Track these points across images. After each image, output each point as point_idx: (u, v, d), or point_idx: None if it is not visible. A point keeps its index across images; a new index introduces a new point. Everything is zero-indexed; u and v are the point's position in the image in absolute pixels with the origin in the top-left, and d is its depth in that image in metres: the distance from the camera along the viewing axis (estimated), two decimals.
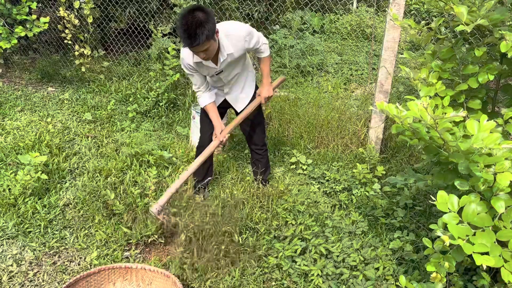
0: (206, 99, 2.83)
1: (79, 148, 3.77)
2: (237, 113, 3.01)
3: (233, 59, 2.68)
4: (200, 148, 2.99)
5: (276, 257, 2.53)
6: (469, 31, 1.82)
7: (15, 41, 4.91)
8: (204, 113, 2.96)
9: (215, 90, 2.93)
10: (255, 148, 3.13)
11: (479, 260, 1.52)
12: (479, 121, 1.62)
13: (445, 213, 1.65)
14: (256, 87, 3.03)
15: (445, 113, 1.62)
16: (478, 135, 1.58)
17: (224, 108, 3.03)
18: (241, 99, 2.95)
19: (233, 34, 2.60)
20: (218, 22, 2.58)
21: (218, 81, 2.84)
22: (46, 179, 3.16)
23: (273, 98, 4.21)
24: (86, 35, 5.03)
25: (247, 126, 3.05)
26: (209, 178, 3.10)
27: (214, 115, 2.85)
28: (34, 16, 4.92)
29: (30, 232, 2.77)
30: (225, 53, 2.60)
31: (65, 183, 3.25)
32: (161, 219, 2.62)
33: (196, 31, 2.33)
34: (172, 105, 4.53)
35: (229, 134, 2.85)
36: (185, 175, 2.73)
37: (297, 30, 6.26)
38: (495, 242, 1.60)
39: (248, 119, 2.99)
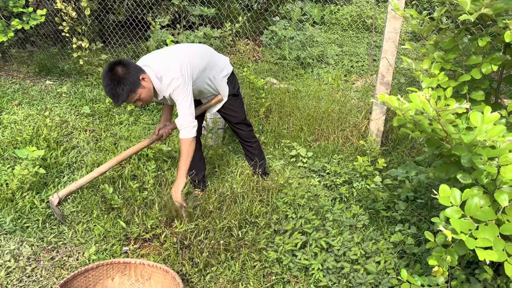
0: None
1: (77, 142, 3.74)
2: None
3: (170, 102, 2.69)
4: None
5: (276, 251, 2.51)
6: (472, 21, 1.77)
7: (12, 34, 4.85)
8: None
9: None
10: (245, 142, 3.13)
11: (482, 255, 1.49)
12: (482, 113, 1.58)
13: (447, 206, 1.62)
14: (233, 88, 2.91)
15: (448, 105, 1.58)
16: (482, 127, 1.55)
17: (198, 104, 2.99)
18: (207, 94, 2.91)
19: (164, 77, 2.52)
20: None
21: None
22: (44, 174, 3.14)
23: (273, 91, 4.17)
24: (83, 27, 4.97)
25: (231, 125, 3.04)
26: (203, 172, 3.10)
27: (164, 113, 2.94)
28: (31, 9, 4.86)
29: (28, 227, 2.75)
30: (161, 94, 2.58)
31: (63, 178, 3.23)
32: (55, 211, 2.73)
33: (117, 89, 2.34)
34: None
35: (171, 130, 2.89)
36: (119, 158, 2.87)
37: (297, 21, 6.20)
38: (498, 236, 1.57)
39: (229, 120, 2.98)
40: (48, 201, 2.90)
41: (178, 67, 2.52)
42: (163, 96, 2.60)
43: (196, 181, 3.06)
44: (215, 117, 3.81)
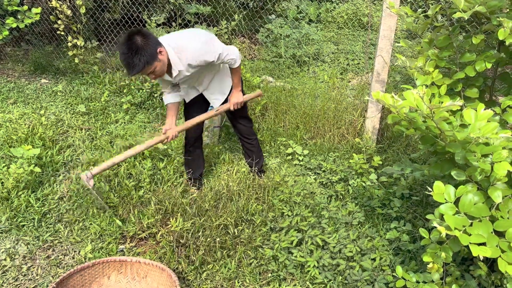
0: (169, 98, 2.80)
1: (73, 140, 3.73)
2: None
3: (190, 72, 2.61)
4: (187, 146, 3.02)
5: (272, 249, 2.52)
6: (466, 18, 1.78)
7: (7, 32, 4.83)
8: (185, 110, 2.95)
9: (182, 92, 2.87)
10: (244, 139, 3.12)
11: (476, 251, 1.50)
12: (476, 110, 1.59)
13: (442, 203, 1.63)
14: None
15: (442, 102, 1.59)
16: (475, 124, 1.56)
17: (206, 102, 2.98)
18: (219, 95, 2.90)
19: (186, 51, 2.50)
20: (185, 28, 2.51)
21: (186, 84, 2.80)
22: (39, 172, 3.13)
23: (269, 89, 4.18)
24: (79, 25, 4.96)
25: (233, 119, 3.03)
26: (201, 170, 3.09)
27: (171, 114, 2.81)
28: (25, 7, 4.84)
29: (23, 225, 2.75)
30: (176, 69, 2.54)
31: (58, 176, 3.22)
32: (90, 186, 2.65)
33: (134, 59, 2.28)
34: None
35: (178, 133, 2.81)
36: (125, 155, 2.77)
37: (293, 19, 6.20)
38: (492, 232, 1.58)
39: (233, 113, 2.96)
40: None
41: (201, 43, 2.51)
42: (178, 71, 2.53)
43: (193, 179, 3.06)
44: None
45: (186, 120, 2.94)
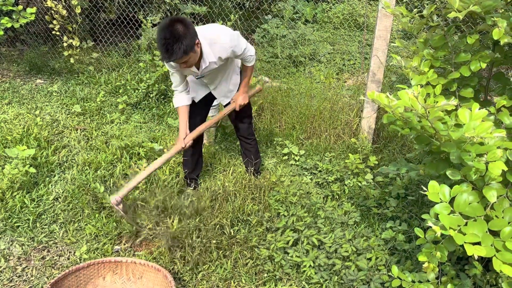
0: (180, 100, 2.77)
1: (68, 141, 3.71)
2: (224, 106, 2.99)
3: (219, 65, 2.64)
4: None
5: (268, 249, 2.52)
6: (461, 18, 1.79)
7: (1, 32, 4.79)
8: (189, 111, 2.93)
9: (193, 94, 2.87)
10: (244, 138, 3.11)
11: (471, 250, 1.51)
12: (471, 110, 1.59)
13: (437, 203, 1.63)
14: (241, 78, 2.97)
15: (437, 102, 1.59)
16: (470, 123, 1.56)
17: (211, 99, 2.99)
18: (227, 92, 2.93)
19: (219, 43, 2.53)
20: (208, 23, 2.52)
21: (207, 79, 2.81)
22: (34, 173, 3.12)
23: (265, 89, 4.17)
24: (74, 26, 4.94)
25: (235, 118, 3.02)
26: (199, 171, 3.09)
27: (183, 119, 2.77)
28: (20, 7, 4.80)
29: (18, 226, 2.73)
30: (207, 60, 2.55)
31: (54, 177, 3.20)
32: (120, 210, 2.53)
33: (173, 46, 2.27)
34: (163, 96, 4.47)
35: (192, 141, 2.77)
36: (147, 171, 2.64)
37: (289, 19, 6.20)
38: (486, 231, 1.58)
39: (236, 112, 2.96)
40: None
41: (233, 38, 2.56)
42: (208, 63, 2.55)
43: (189, 179, 3.05)
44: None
45: (189, 121, 2.93)
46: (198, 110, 2.91)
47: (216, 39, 2.53)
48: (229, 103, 2.94)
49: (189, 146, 2.76)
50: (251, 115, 3.08)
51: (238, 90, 2.93)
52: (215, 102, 3.17)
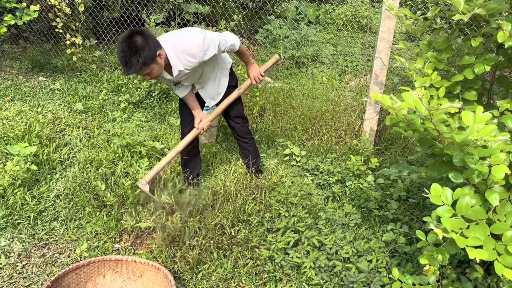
0: (182, 91, 2.79)
1: (70, 138, 3.72)
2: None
3: (190, 70, 2.62)
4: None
5: (269, 249, 2.51)
6: (465, 21, 1.78)
7: (5, 29, 4.81)
8: (182, 104, 2.93)
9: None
10: (240, 138, 3.11)
11: (472, 254, 1.50)
12: (474, 113, 1.59)
13: (439, 206, 1.63)
14: (232, 79, 2.96)
15: (440, 104, 1.59)
16: (473, 126, 1.56)
17: (201, 102, 2.98)
18: (215, 94, 2.91)
19: (187, 52, 2.49)
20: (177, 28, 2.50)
21: (188, 81, 2.80)
22: (35, 170, 3.12)
23: (267, 90, 4.17)
24: (77, 24, 4.94)
25: (229, 118, 3.03)
26: (198, 169, 3.09)
27: (193, 103, 2.81)
28: (24, 4, 4.82)
29: (19, 223, 2.73)
30: (176, 69, 2.53)
31: (55, 174, 3.20)
32: (147, 193, 2.68)
33: (131, 59, 2.27)
34: (164, 95, 4.48)
35: (209, 123, 2.85)
36: (171, 155, 2.81)
37: (292, 20, 6.20)
38: (488, 235, 1.58)
39: (227, 112, 2.97)
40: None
41: (199, 42, 2.50)
42: (178, 72, 2.53)
43: (190, 178, 3.05)
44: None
45: (181, 116, 2.96)
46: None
47: (184, 47, 2.49)
48: (218, 103, 2.93)
49: (206, 129, 2.83)
50: (243, 114, 3.06)
51: (226, 91, 2.92)
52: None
